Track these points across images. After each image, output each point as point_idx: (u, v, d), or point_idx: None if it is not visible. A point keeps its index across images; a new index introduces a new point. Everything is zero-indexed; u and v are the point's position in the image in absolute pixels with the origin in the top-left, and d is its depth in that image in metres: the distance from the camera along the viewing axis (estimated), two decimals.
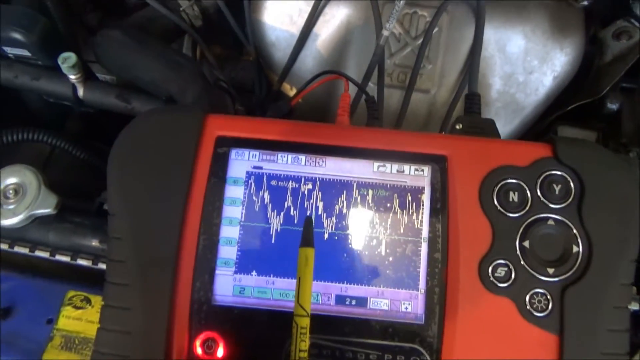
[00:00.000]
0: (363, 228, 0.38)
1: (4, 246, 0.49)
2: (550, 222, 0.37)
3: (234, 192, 0.38)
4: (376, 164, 0.39)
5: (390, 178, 0.38)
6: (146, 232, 0.36)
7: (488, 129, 0.42)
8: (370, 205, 0.38)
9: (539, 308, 0.35)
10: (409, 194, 0.38)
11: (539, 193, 0.37)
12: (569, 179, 0.37)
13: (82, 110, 0.68)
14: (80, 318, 0.46)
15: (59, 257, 0.48)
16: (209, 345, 0.36)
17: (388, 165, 0.38)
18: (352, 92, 0.52)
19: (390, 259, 0.37)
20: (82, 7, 0.77)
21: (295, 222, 0.38)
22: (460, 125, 0.42)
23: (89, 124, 0.72)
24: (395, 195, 0.38)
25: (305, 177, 0.38)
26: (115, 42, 0.56)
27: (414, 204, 0.38)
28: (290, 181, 0.38)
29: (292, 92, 0.67)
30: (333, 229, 0.38)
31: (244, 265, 0.37)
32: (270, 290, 0.37)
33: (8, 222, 0.44)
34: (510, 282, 0.36)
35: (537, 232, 0.36)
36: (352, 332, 0.36)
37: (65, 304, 0.47)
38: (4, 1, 0.64)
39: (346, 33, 0.60)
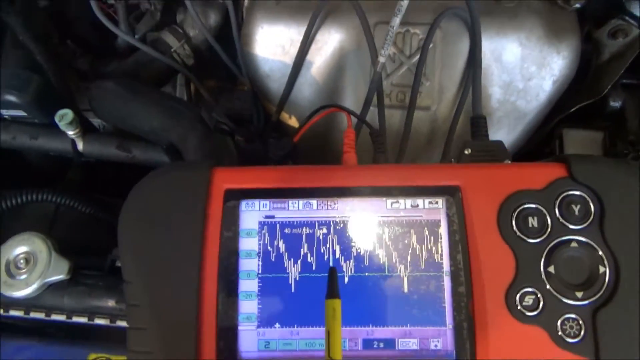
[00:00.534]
0: (383, 267, 0.37)
1: (19, 313, 0.48)
2: (574, 244, 0.36)
3: (249, 244, 0.38)
4: (389, 201, 0.38)
5: (404, 214, 0.38)
6: (164, 297, 0.36)
7: (498, 152, 0.41)
8: (388, 243, 0.37)
9: (572, 334, 0.35)
10: (425, 229, 0.37)
11: (558, 215, 0.36)
12: (587, 198, 0.36)
13: (82, 160, 0.68)
14: None
15: (75, 319, 0.47)
16: None
17: (401, 201, 0.38)
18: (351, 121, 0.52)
19: (415, 296, 0.37)
20: (71, 53, 0.77)
21: (314, 268, 0.37)
22: (469, 151, 0.42)
23: (91, 173, 0.71)
24: (412, 230, 0.37)
25: (318, 221, 0.38)
26: (111, 94, 0.55)
27: (432, 237, 0.37)
28: (304, 227, 0.38)
29: (290, 121, 0.67)
30: (353, 271, 0.37)
31: (266, 318, 0.37)
32: (296, 342, 0.36)
33: (22, 293, 0.44)
34: (540, 309, 0.35)
35: (561, 256, 0.36)
36: None
37: None
38: None
39: (340, 58, 0.60)
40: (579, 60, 0.60)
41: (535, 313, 0.35)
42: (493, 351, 0.35)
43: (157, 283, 0.36)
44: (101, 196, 0.61)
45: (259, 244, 0.38)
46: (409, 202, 0.38)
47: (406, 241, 0.37)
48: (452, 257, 0.37)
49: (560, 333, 0.35)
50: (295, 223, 0.38)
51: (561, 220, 0.36)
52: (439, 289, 0.36)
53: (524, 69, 0.59)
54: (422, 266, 0.37)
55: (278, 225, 0.38)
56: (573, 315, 0.35)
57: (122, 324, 0.47)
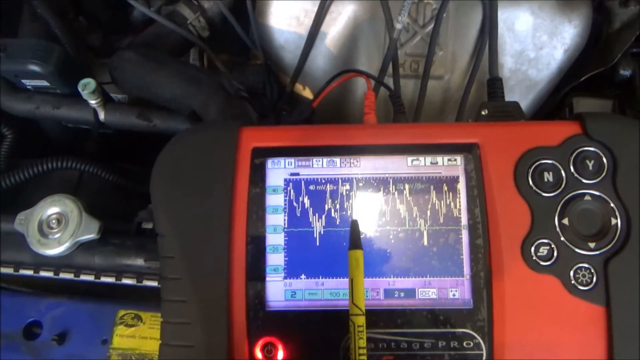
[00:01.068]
0: (404, 222, 0.39)
1: (49, 274, 0.50)
2: (587, 197, 0.37)
3: (275, 200, 0.39)
4: (410, 159, 0.40)
5: (424, 171, 0.39)
6: (197, 249, 0.38)
7: (514, 112, 0.43)
8: (408, 199, 0.39)
9: (584, 282, 0.36)
10: (444, 184, 0.39)
11: (572, 170, 0.38)
12: (601, 153, 0.38)
13: (100, 132, 0.69)
14: (133, 335, 0.48)
15: (104, 279, 0.49)
16: (268, 350, 0.37)
17: (421, 158, 0.39)
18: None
19: (434, 249, 0.38)
20: (84, 29, 0.78)
21: (337, 223, 0.39)
22: (486, 111, 0.43)
23: (108, 144, 0.73)
24: (432, 186, 0.39)
25: (342, 178, 0.40)
26: (132, 63, 0.57)
27: (451, 193, 0.39)
28: (328, 184, 0.39)
29: (305, 92, 0.68)
30: (375, 225, 0.39)
31: (292, 270, 0.39)
32: (321, 291, 0.38)
33: (55, 251, 0.46)
34: (554, 259, 0.37)
35: (575, 209, 0.37)
36: (404, 323, 0.37)
37: (117, 323, 0.48)
38: (12, 34, 0.65)
39: (354, 29, 0.61)
40: (590, 29, 0.61)
41: (549, 263, 0.37)
42: (509, 299, 0.37)
43: (190, 236, 0.38)
44: (123, 164, 0.63)
45: (285, 200, 0.39)
46: (428, 159, 0.39)
47: (426, 197, 0.39)
48: (470, 211, 0.38)
49: (573, 281, 0.36)
50: (319, 180, 0.40)
51: (575, 175, 0.38)
52: (457, 242, 0.38)
53: (536, 38, 0.60)
54: (441, 220, 0.39)
55: (303, 182, 0.40)
56: (585, 265, 0.37)
57: (149, 283, 0.49)
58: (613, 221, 0.37)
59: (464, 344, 0.37)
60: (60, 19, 0.65)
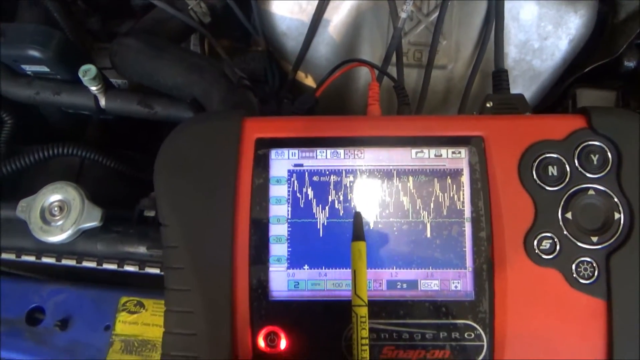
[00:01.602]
0: (407, 214, 0.39)
1: (51, 260, 0.50)
2: (591, 192, 0.38)
3: (278, 191, 0.39)
4: (414, 151, 0.39)
5: (429, 163, 0.39)
6: (201, 239, 0.38)
7: (519, 105, 0.43)
8: (412, 191, 0.39)
9: (586, 275, 0.37)
10: (448, 177, 0.39)
11: (577, 164, 0.38)
12: (605, 148, 0.38)
13: (101, 118, 0.69)
14: (136, 322, 0.48)
15: (106, 266, 0.50)
16: (271, 339, 0.37)
17: (426, 150, 0.39)
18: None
19: (437, 241, 0.38)
20: (83, 13, 0.77)
21: (341, 214, 0.39)
22: (491, 104, 0.43)
23: (109, 130, 0.72)
24: (436, 179, 0.39)
25: (345, 170, 0.39)
26: (133, 50, 0.56)
27: (455, 186, 0.39)
28: (332, 175, 0.39)
29: (307, 80, 0.67)
30: (378, 217, 0.39)
31: (295, 260, 0.39)
32: (324, 282, 0.39)
33: (57, 238, 0.46)
34: (556, 253, 0.37)
35: (578, 203, 0.37)
36: (406, 314, 0.38)
37: (120, 309, 0.48)
38: (9, 19, 0.65)
39: (357, 17, 0.60)
40: (595, 20, 0.60)
41: (551, 256, 0.37)
42: (510, 291, 0.37)
43: (193, 226, 0.38)
44: (125, 151, 0.62)
45: (289, 191, 0.39)
46: (433, 151, 0.39)
47: (430, 189, 0.39)
48: (473, 204, 0.38)
49: (574, 275, 0.37)
50: (323, 171, 0.39)
51: (580, 169, 0.38)
52: (460, 234, 0.38)
53: (541, 28, 0.59)
54: (445, 213, 0.39)
55: (307, 173, 0.39)
56: (587, 259, 0.37)
57: (151, 270, 0.49)
58: (616, 216, 0.37)
59: (465, 335, 0.37)
60: (59, 3, 0.64)
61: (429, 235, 0.39)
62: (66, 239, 0.46)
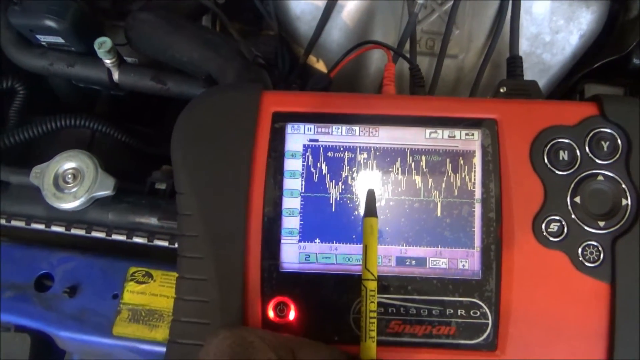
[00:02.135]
0: (418, 193, 0.40)
1: (61, 229, 0.51)
2: (600, 177, 0.38)
3: (293, 165, 0.40)
4: (428, 131, 0.40)
5: (442, 143, 0.40)
6: (215, 208, 0.38)
7: (532, 91, 0.43)
8: (424, 170, 0.40)
9: (591, 259, 0.37)
10: (460, 158, 0.40)
11: (587, 150, 0.39)
12: (616, 135, 0.38)
13: (111, 93, 0.69)
14: (144, 292, 0.48)
15: (115, 237, 0.50)
16: (280, 309, 0.38)
17: (439, 131, 0.40)
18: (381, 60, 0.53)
19: (447, 220, 0.39)
20: None
21: (354, 190, 0.40)
22: (505, 89, 0.43)
23: (117, 107, 0.73)
24: (448, 159, 0.40)
25: (360, 147, 0.40)
26: (149, 25, 0.56)
27: (467, 167, 0.40)
28: (346, 152, 0.40)
29: (318, 65, 0.68)
30: (390, 195, 0.40)
31: (307, 233, 0.39)
32: (334, 256, 0.39)
33: (70, 205, 0.46)
34: (563, 236, 0.38)
35: (587, 188, 0.38)
36: (414, 290, 0.38)
37: (128, 279, 0.49)
38: None
39: (371, 2, 0.61)
40: (607, 16, 0.61)
41: (559, 239, 0.38)
42: (517, 272, 0.38)
43: (209, 195, 0.38)
44: (135, 126, 0.63)
45: (303, 165, 0.40)
46: (446, 132, 0.40)
47: (442, 169, 0.40)
48: (484, 185, 0.39)
49: (580, 258, 0.38)
50: (338, 147, 0.40)
51: (590, 155, 0.39)
52: (470, 214, 0.39)
53: (553, 22, 0.60)
54: (456, 193, 0.39)
55: (322, 148, 0.40)
56: (594, 242, 0.38)
57: (160, 243, 0.50)
58: (624, 202, 0.38)
59: (471, 312, 0.38)
60: None
61: (439, 214, 0.39)
62: (79, 206, 0.46)
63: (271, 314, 0.38)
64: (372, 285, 0.35)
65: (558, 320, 0.37)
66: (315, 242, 0.39)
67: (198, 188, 0.38)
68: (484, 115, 0.40)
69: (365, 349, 0.34)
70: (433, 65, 0.59)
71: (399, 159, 0.40)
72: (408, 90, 0.50)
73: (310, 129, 0.40)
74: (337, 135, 0.40)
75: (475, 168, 0.40)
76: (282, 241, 0.39)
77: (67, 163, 0.47)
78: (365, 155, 0.40)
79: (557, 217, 0.38)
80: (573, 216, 0.38)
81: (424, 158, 0.40)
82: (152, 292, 0.48)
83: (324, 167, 0.40)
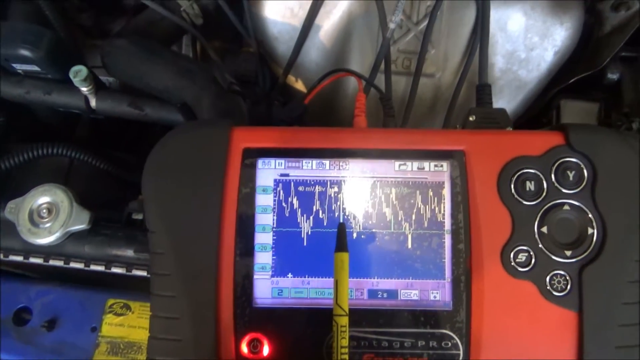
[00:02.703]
0: (389, 225, 0.40)
1: (39, 260, 0.51)
2: (566, 207, 0.39)
3: (264, 200, 0.40)
4: (397, 163, 0.40)
5: (411, 175, 0.40)
6: (187, 246, 0.38)
7: (501, 119, 0.44)
8: (394, 203, 0.40)
9: (559, 288, 0.38)
10: (430, 190, 0.40)
11: (553, 180, 0.39)
12: (582, 165, 0.39)
13: (91, 117, 0.69)
14: (122, 324, 0.49)
15: (94, 267, 0.50)
16: (254, 345, 0.38)
17: (409, 163, 0.40)
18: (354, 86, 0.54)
19: (417, 252, 0.40)
20: (75, 9, 0.77)
21: (325, 224, 0.40)
22: (474, 117, 0.44)
23: (99, 129, 0.73)
24: (418, 191, 0.40)
25: (330, 180, 0.40)
26: (124, 52, 0.56)
27: (436, 198, 0.40)
28: (317, 185, 0.40)
29: (297, 84, 0.68)
30: (360, 228, 0.40)
31: (279, 268, 0.40)
32: (307, 290, 0.40)
33: (45, 240, 0.46)
34: (531, 266, 0.38)
35: (553, 218, 0.39)
36: (386, 323, 0.39)
37: (107, 311, 0.49)
38: (0, 17, 0.64)
39: (348, 23, 0.61)
40: (581, 32, 0.61)
41: (527, 269, 0.38)
42: (487, 302, 0.38)
43: (180, 233, 0.39)
44: (115, 152, 0.63)
45: (274, 200, 0.40)
46: (415, 164, 0.40)
47: (412, 201, 0.40)
48: (453, 216, 0.40)
49: (548, 287, 0.38)
50: (308, 181, 0.40)
51: (556, 184, 0.39)
52: (440, 246, 0.39)
53: (527, 39, 0.61)
54: (426, 224, 0.40)
55: (292, 183, 0.40)
56: (561, 272, 0.38)
57: (138, 273, 0.50)
58: (590, 231, 0.38)
59: (443, 344, 0.38)
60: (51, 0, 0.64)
61: (409, 246, 0.40)
62: (54, 241, 0.46)
63: (245, 350, 0.38)
64: (344, 320, 0.36)
65: (528, 349, 0.38)
66: (288, 277, 0.40)
67: (169, 226, 0.39)
68: (452, 147, 0.40)
69: None
70: (410, 84, 0.60)
71: (369, 191, 0.40)
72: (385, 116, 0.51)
73: (281, 163, 0.41)
74: (308, 169, 0.41)
75: (444, 199, 0.40)
76: (255, 276, 0.39)
77: (42, 197, 0.47)
78: (335, 189, 0.40)
79: (524, 247, 0.38)
80: (540, 246, 0.38)
81: (393, 190, 0.40)
82: (130, 324, 0.48)
83: (295, 201, 0.40)
